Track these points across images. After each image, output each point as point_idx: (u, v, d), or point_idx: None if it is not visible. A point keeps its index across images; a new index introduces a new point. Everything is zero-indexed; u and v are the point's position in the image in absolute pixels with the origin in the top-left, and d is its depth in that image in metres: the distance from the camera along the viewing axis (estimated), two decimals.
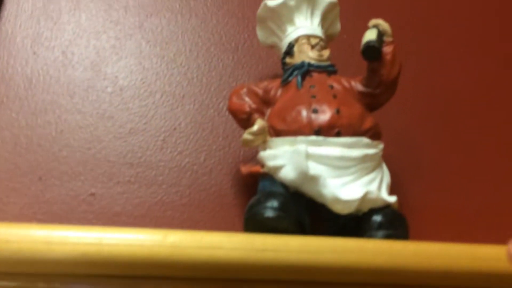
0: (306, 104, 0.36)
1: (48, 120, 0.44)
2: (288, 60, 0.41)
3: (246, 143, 0.36)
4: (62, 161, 0.43)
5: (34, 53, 0.47)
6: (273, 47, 0.45)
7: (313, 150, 0.34)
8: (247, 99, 0.39)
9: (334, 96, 0.37)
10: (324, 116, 0.35)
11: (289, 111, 0.37)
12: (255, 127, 0.36)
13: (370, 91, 0.39)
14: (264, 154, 0.36)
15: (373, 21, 0.38)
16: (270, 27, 0.43)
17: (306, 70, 0.39)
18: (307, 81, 0.38)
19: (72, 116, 0.45)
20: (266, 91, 0.40)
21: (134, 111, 0.46)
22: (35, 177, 0.42)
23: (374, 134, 0.37)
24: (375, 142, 0.37)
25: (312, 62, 0.39)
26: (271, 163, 0.35)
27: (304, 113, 0.36)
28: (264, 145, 0.38)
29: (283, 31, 0.42)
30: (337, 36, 0.45)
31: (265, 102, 0.40)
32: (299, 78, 0.38)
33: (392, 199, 0.35)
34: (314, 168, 0.33)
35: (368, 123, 0.36)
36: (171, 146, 0.45)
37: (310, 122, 0.35)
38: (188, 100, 0.47)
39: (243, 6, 0.53)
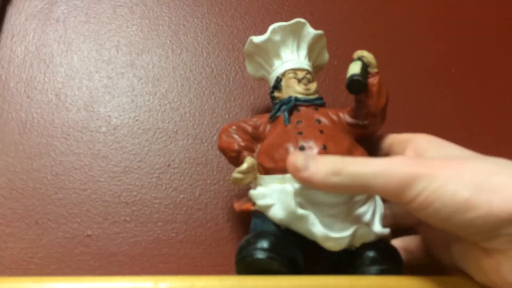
0: (293, 141, 0.36)
1: (43, 164, 0.45)
2: (276, 94, 0.41)
3: (236, 181, 0.36)
4: (58, 203, 0.43)
5: (28, 97, 0.48)
6: (263, 79, 0.45)
7: (301, 189, 0.33)
8: (236, 136, 0.39)
9: (321, 132, 0.37)
10: (311, 153, 0.35)
11: (276, 148, 0.36)
12: (244, 166, 0.36)
13: (358, 122, 0.38)
14: (254, 193, 0.36)
15: (357, 53, 0.38)
16: (258, 61, 0.43)
17: (293, 105, 0.38)
18: (294, 116, 0.38)
19: (66, 158, 0.45)
20: (255, 127, 0.39)
21: (128, 149, 0.46)
22: (32, 221, 0.42)
23: None
24: None
25: (299, 96, 0.39)
26: (260, 202, 0.35)
27: (291, 150, 0.35)
28: (255, 182, 0.38)
29: (270, 65, 0.42)
30: (325, 66, 0.46)
31: (254, 138, 0.40)
32: (285, 114, 0.38)
33: (385, 231, 0.35)
34: (303, 206, 0.33)
35: (356, 155, 0.36)
36: (166, 182, 0.45)
37: None
38: (181, 136, 0.48)
39: (233, 37, 0.54)
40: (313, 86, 0.40)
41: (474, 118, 0.52)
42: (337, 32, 0.55)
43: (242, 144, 0.39)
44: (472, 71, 0.55)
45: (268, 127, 0.39)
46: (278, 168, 0.36)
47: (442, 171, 0.29)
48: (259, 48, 0.42)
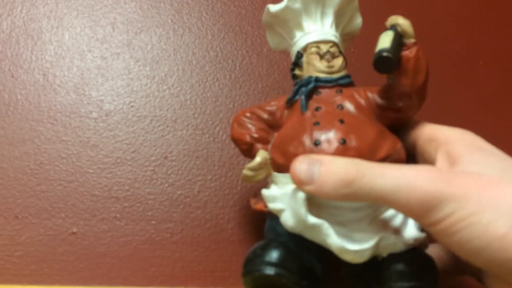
0: (308, 133, 0.31)
1: (26, 151, 0.40)
2: (297, 72, 0.35)
3: (246, 179, 0.32)
4: (41, 196, 0.39)
5: (13, 76, 0.43)
6: (287, 51, 0.39)
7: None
8: (249, 125, 0.34)
9: (341, 121, 0.31)
10: (327, 149, 0.30)
11: (289, 141, 0.31)
12: (255, 162, 0.31)
13: (390, 105, 0.32)
14: (265, 194, 0.31)
15: (391, 20, 0.31)
16: (279, 32, 0.37)
17: (312, 87, 0.33)
18: (314, 100, 0.33)
19: (52, 146, 0.41)
20: (271, 113, 0.34)
21: (121, 138, 0.42)
22: (11, 215, 0.38)
23: (393, 162, 0.30)
24: None
25: (321, 75, 0.33)
26: (271, 205, 0.30)
27: (304, 146, 0.30)
28: (270, 179, 0.33)
29: (292, 37, 0.36)
30: (358, 33, 0.38)
31: (271, 126, 0.34)
32: (303, 99, 0.32)
33: (420, 236, 0.29)
34: (317, 212, 0.29)
35: (383, 150, 0.30)
36: (162, 177, 0.41)
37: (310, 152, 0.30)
38: (180, 125, 0.43)
39: (240, 19, 0.49)
40: (337, 62, 0.34)
41: (498, 110, 0.48)
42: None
43: (255, 135, 0.34)
44: (499, 64, 0.51)
45: (286, 112, 0.34)
46: (291, 162, 0.30)
47: (476, 195, 0.25)
48: (278, 18, 0.36)
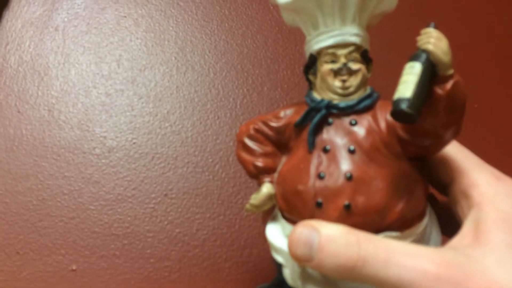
0: (310, 189, 0.27)
1: (30, 187, 0.41)
2: (311, 77, 0.29)
3: (250, 211, 0.29)
4: (43, 232, 0.40)
5: (19, 111, 0.44)
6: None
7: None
8: (254, 147, 0.29)
9: (349, 178, 0.26)
10: (330, 213, 0.26)
11: (292, 192, 0.28)
12: (258, 199, 0.28)
13: (415, 141, 0.26)
14: (268, 238, 0.29)
15: (423, 39, 0.25)
16: (294, 18, 0.31)
17: (323, 115, 0.28)
18: (324, 133, 0.28)
19: (55, 182, 0.42)
20: (279, 131, 0.29)
21: (122, 175, 0.43)
22: (12, 251, 0.39)
23: (404, 223, 0.27)
24: (408, 232, 0.27)
25: (335, 99, 0.28)
26: (273, 254, 0.30)
27: (306, 204, 0.27)
28: (273, 214, 0.30)
29: (307, 32, 0.30)
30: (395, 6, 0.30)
31: (279, 145, 0.30)
32: (309, 138, 0.27)
33: None
34: (315, 282, 0.27)
35: (395, 212, 0.26)
36: (161, 214, 0.42)
37: (312, 217, 0.27)
38: (181, 162, 0.44)
39: (242, 57, 0.51)
40: (355, 80, 0.27)
41: None
42: None
43: (259, 164, 0.29)
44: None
45: (294, 134, 0.29)
46: (292, 216, 0.28)
47: None
48: (289, 9, 0.30)
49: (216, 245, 0.41)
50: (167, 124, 0.46)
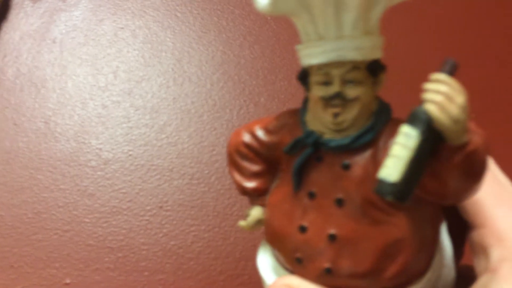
0: (292, 240, 0.23)
1: (25, 199, 0.41)
2: (306, 92, 0.23)
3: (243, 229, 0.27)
4: (37, 245, 0.40)
5: (15, 123, 0.45)
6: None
7: None
8: (245, 164, 0.26)
9: (332, 238, 0.22)
10: (310, 273, 0.23)
11: (274, 229, 0.24)
12: (248, 224, 0.26)
13: (425, 196, 0.21)
14: (259, 267, 0.27)
15: (428, 95, 0.19)
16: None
17: (309, 153, 0.23)
18: (312, 170, 0.23)
19: (50, 194, 0.42)
20: (271, 148, 0.25)
21: (118, 187, 0.43)
22: (6, 264, 0.39)
23: (397, 286, 0.23)
24: None
25: (326, 135, 0.22)
26: (261, 272, 0.29)
27: (287, 254, 0.24)
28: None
29: (300, 37, 0.23)
30: None
31: (271, 162, 0.25)
32: (294, 177, 0.23)
33: None
34: None
35: (385, 279, 0.22)
36: (156, 227, 0.42)
37: (293, 268, 0.24)
38: (176, 174, 0.44)
39: (239, 68, 0.51)
40: (350, 113, 0.21)
41: None
42: None
43: (249, 185, 0.26)
44: None
45: (285, 156, 0.24)
46: (277, 253, 0.25)
47: None
48: (273, 15, 0.23)
49: (211, 258, 0.41)
50: (163, 136, 0.46)
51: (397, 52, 0.50)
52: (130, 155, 0.45)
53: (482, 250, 0.24)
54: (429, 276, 0.23)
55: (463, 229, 0.25)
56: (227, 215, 0.43)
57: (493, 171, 0.25)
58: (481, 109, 0.49)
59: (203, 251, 0.41)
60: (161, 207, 0.43)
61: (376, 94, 0.22)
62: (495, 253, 0.23)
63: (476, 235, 0.24)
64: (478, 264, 0.24)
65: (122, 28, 0.51)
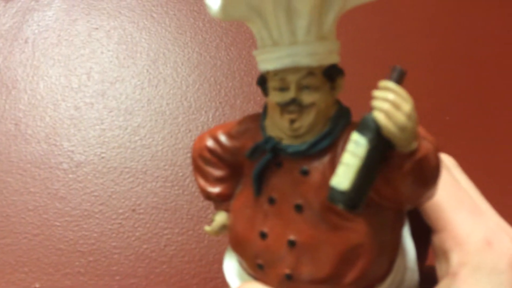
0: (253, 246, 0.23)
1: None
2: (265, 96, 0.23)
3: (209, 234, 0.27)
4: (6, 249, 0.39)
5: None
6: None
7: None
8: (208, 168, 0.25)
9: (292, 244, 0.22)
10: (271, 279, 0.23)
11: (237, 235, 0.24)
12: (212, 230, 0.26)
13: (381, 201, 0.21)
14: (225, 272, 0.27)
15: (376, 102, 0.19)
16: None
17: (268, 159, 0.23)
18: (272, 175, 0.23)
19: (20, 198, 0.41)
20: (234, 153, 0.25)
21: (90, 190, 0.42)
22: None
23: (365, 286, 0.23)
24: None
25: (283, 140, 0.22)
26: (226, 277, 0.29)
27: (249, 259, 0.24)
28: None
29: (257, 45, 0.23)
30: None
31: (234, 167, 0.25)
32: (255, 182, 0.23)
33: None
34: None
35: (345, 284, 0.22)
36: (129, 230, 0.41)
37: (255, 274, 0.24)
38: (150, 177, 0.44)
39: (215, 70, 0.50)
40: (307, 119, 0.21)
41: None
42: None
43: (213, 191, 0.25)
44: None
45: (247, 161, 0.24)
46: (240, 259, 0.25)
47: None
48: (226, 20, 0.23)
49: (184, 261, 0.40)
50: (137, 138, 0.45)
51: (358, 54, 0.50)
52: (102, 157, 0.44)
53: (443, 254, 0.24)
54: (390, 280, 0.23)
55: (426, 231, 0.25)
56: (201, 218, 0.43)
57: (454, 175, 0.25)
58: (430, 113, 0.50)
59: (176, 254, 0.41)
60: (134, 210, 0.42)
61: (335, 98, 0.22)
62: (455, 257, 0.23)
63: (437, 239, 0.24)
64: (440, 268, 0.24)
65: (97, 28, 0.50)
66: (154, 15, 0.52)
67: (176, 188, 0.44)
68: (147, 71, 0.49)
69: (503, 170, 0.47)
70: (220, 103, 0.49)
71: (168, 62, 0.50)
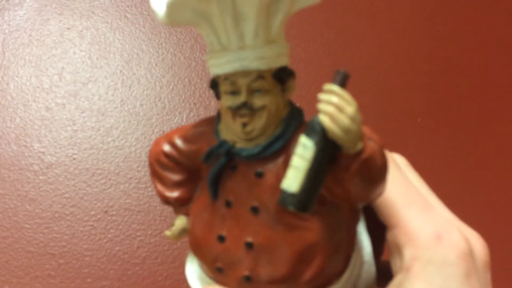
0: (211, 250, 0.24)
1: None
2: (218, 100, 0.23)
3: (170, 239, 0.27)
4: None
5: None
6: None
7: None
8: (166, 173, 0.25)
9: (249, 246, 0.22)
10: (230, 281, 0.23)
11: (196, 239, 0.24)
12: (172, 234, 0.25)
13: (334, 199, 0.22)
14: (187, 276, 0.27)
15: (321, 105, 0.20)
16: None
17: (223, 163, 0.23)
18: (227, 179, 0.23)
19: None
20: (191, 157, 0.24)
21: (61, 192, 0.42)
22: None
23: (323, 282, 0.23)
24: None
25: (237, 144, 0.22)
26: (188, 280, 0.29)
27: (208, 263, 0.24)
28: None
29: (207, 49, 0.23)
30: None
31: (192, 171, 0.25)
32: (210, 187, 0.23)
33: None
34: None
35: (302, 283, 0.23)
36: (101, 232, 0.41)
37: (215, 277, 0.24)
38: (123, 178, 0.43)
39: (190, 71, 0.50)
40: (259, 121, 0.21)
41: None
42: None
43: (172, 196, 0.25)
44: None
45: (204, 164, 0.24)
46: (200, 263, 0.25)
47: None
48: (174, 25, 0.23)
49: (157, 263, 0.40)
50: (109, 139, 0.45)
51: (316, 55, 0.50)
52: (74, 158, 0.43)
53: (396, 250, 0.24)
54: (347, 275, 0.24)
55: (381, 227, 0.26)
56: (174, 219, 0.42)
57: (405, 174, 0.26)
58: (403, 114, 0.50)
59: (149, 256, 0.40)
60: (106, 212, 0.42)
61: (287, 100, 0.22)
62: (408, 252, 0.23)
63: (390, 235, 0.25)
64: (394, 264, 0.25)
65: (69, 28, 0.50)
66: (128, 15, 0.51)
67: (149, 189, 0.43)
68: (121, 71, 0.49)
69: (475, 168, 0.48)
70: (194, 104, 0.49)
71: (142, 62, 0.50)
